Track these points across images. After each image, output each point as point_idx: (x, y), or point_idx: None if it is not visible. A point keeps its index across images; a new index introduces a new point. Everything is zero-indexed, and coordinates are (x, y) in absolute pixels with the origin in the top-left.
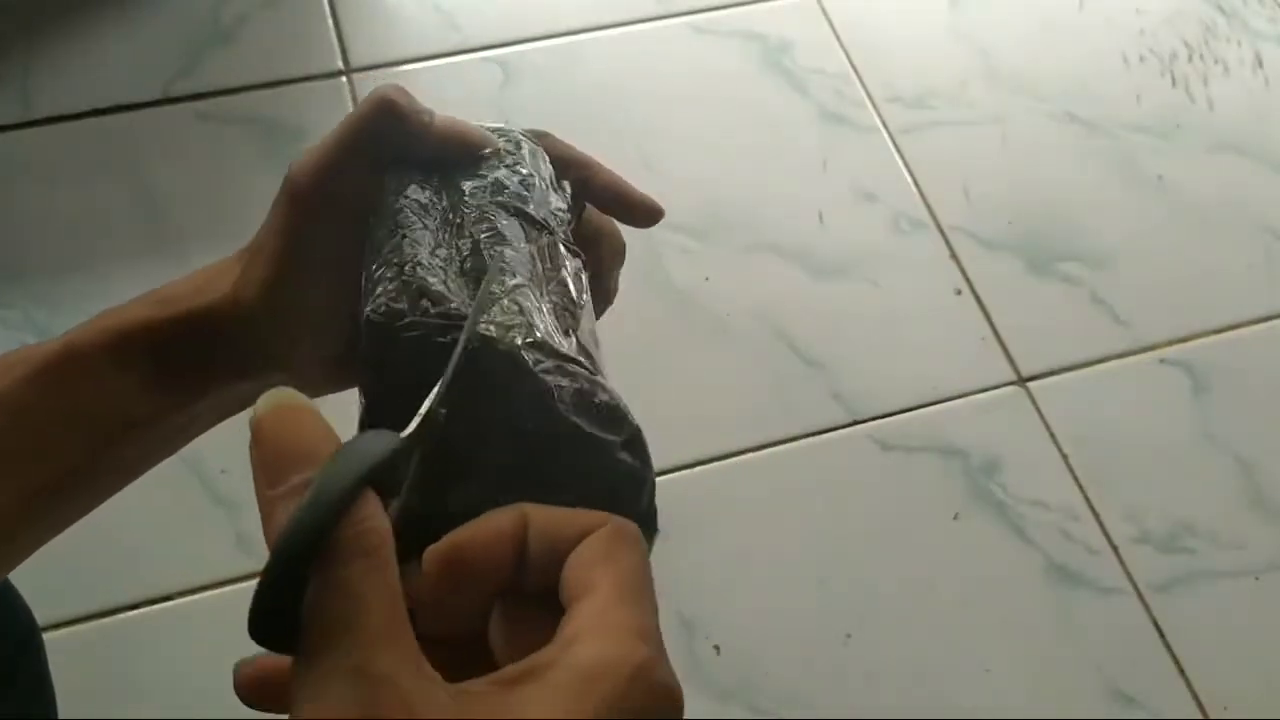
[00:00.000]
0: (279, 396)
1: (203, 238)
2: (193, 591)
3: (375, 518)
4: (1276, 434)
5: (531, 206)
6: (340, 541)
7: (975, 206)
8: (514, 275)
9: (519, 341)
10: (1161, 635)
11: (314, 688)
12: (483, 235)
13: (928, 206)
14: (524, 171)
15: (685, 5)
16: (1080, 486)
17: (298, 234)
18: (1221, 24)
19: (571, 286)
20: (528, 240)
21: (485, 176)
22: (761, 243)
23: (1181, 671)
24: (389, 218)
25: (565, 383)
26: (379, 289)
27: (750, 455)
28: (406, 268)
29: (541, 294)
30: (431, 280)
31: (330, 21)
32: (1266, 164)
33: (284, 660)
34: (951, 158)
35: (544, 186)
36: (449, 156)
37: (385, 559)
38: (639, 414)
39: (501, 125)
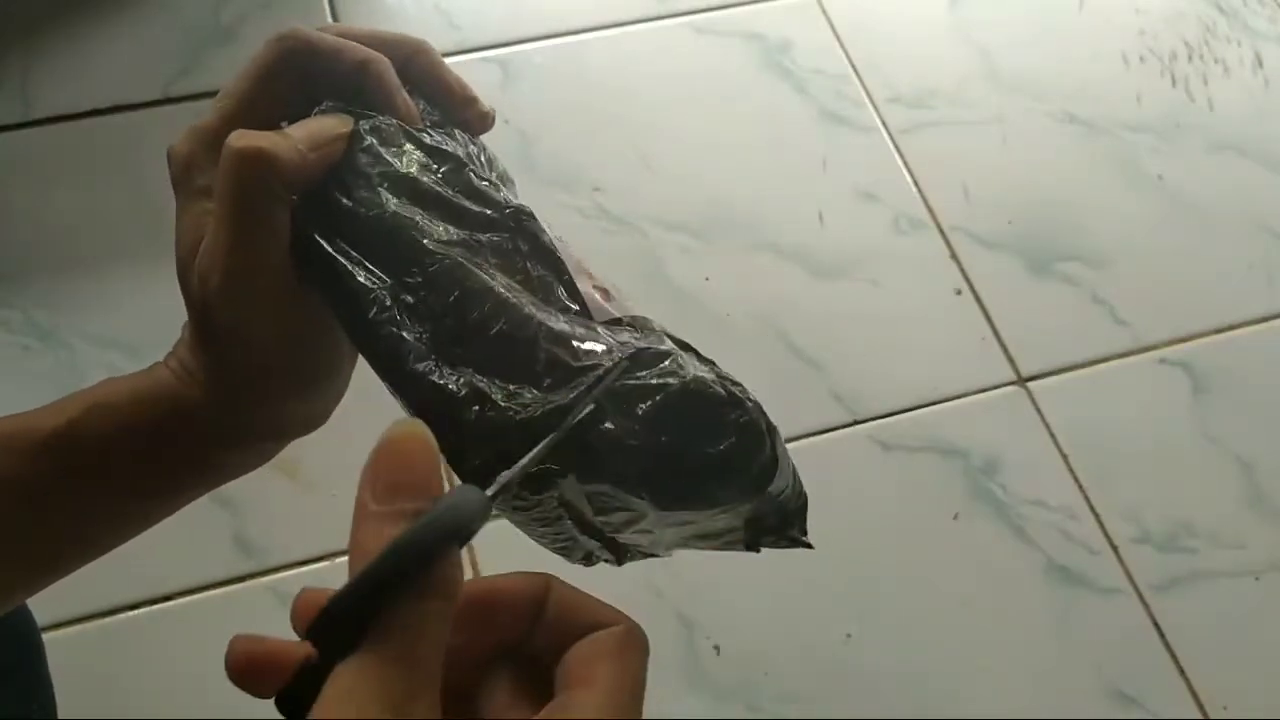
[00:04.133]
0: (412, 426)
1: None
2: (192, 591)
3: (458, 569)
4: (1276, 434)
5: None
6: (429, 579)
7: (975, 206)
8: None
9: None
10: (1161, 635)
11: (349, 695)
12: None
13: (928, 206)
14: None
15: (685, 5)
16: (1080, 486)
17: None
18: (1221, 24)
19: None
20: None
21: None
22: (761, 243)
23: (1181, 671)
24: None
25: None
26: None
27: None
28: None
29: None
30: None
31: (330, 22)
32: (1266, 164)
33: (281, 646)
34: (951, 158)
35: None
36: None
37: (453, 609)
38: None
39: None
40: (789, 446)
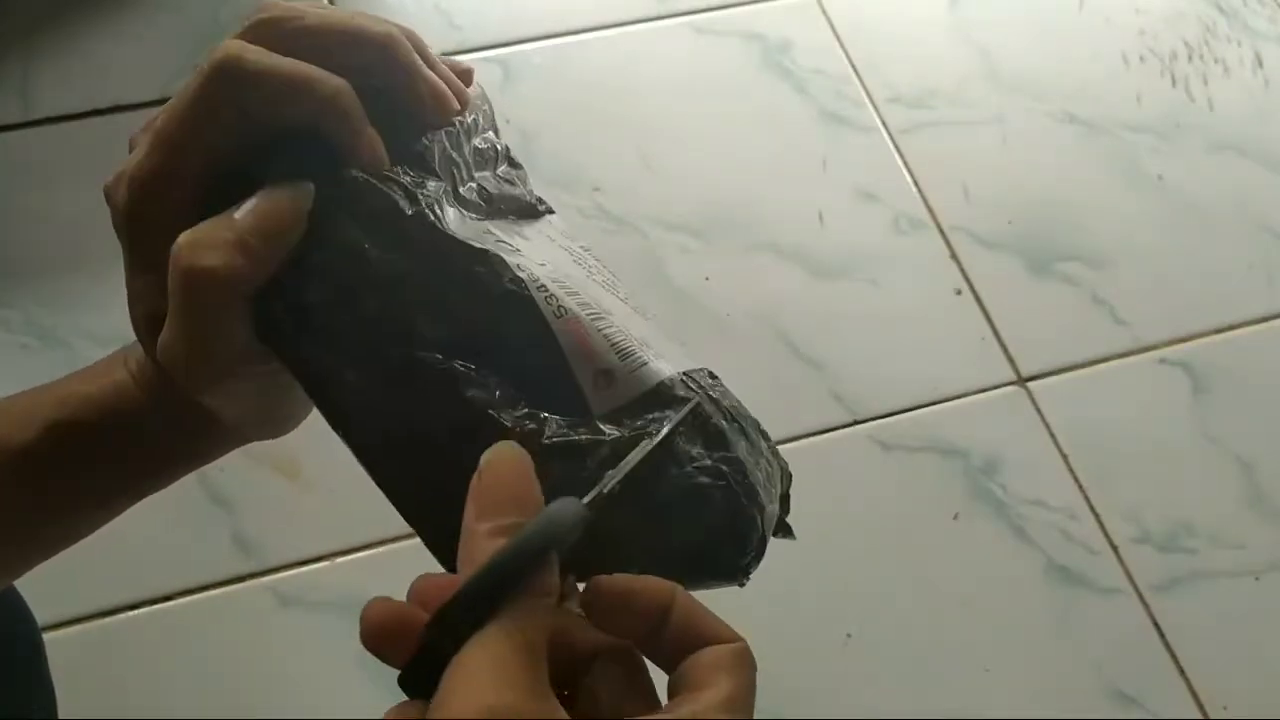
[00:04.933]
0: (509, 448)
1: None
2: (192, 591)
3: (553, 573)
4: (1276, 434)
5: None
6: (531, 582)
7: (975, 206)
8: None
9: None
10: (1161, 635)
11: (473, 676)
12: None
13: (928, 206)
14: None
15: (685, 5)
16: (1080, 486)
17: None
18: (1221, 24)
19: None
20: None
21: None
22: (761, 243)
23: (1181, 671)
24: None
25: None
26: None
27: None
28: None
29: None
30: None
31: None
32: (1266, 164)
33: (412, 614)
34: (951, 158)
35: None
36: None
37: (551, 607)
38: None
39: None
40: (789, 447)
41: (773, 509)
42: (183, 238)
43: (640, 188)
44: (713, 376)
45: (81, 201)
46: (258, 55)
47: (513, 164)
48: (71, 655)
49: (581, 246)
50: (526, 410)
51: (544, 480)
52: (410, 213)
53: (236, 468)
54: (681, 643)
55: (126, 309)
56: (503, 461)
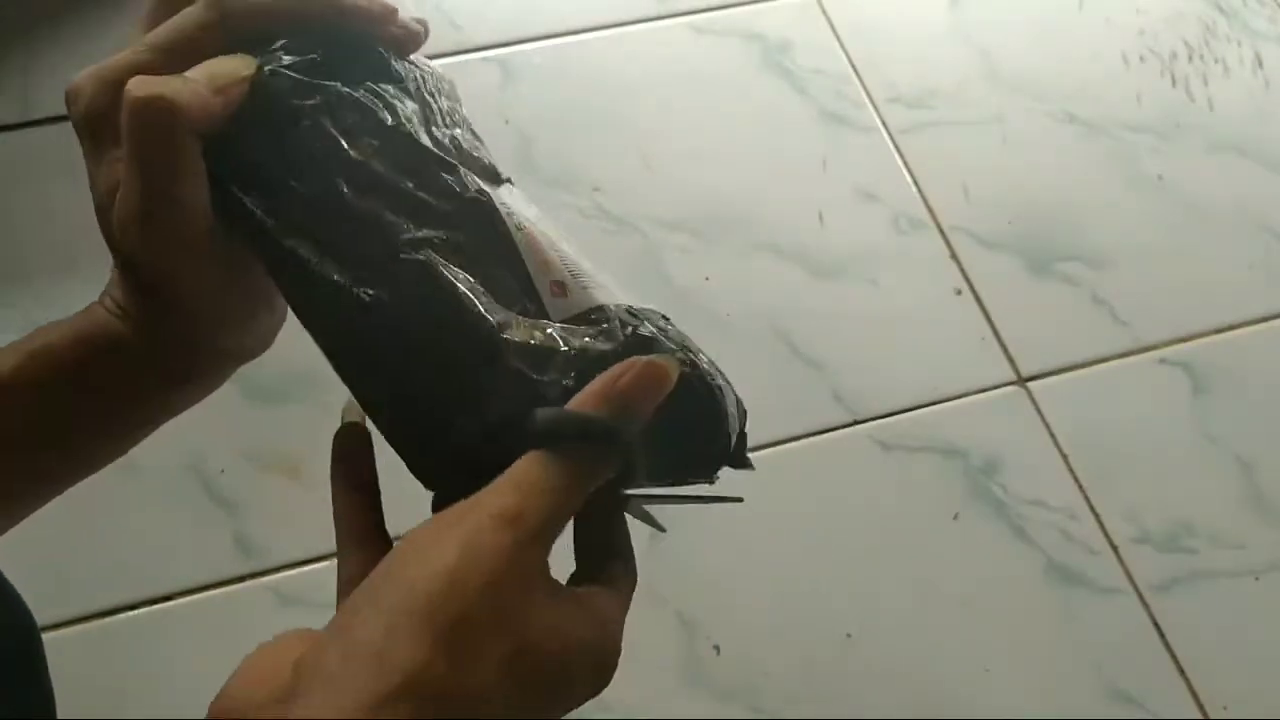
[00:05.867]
0: (668, 362)
1: None
2: (192, 591)
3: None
4: (1276, 434)
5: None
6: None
7: (975, 206)
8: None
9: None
10: (1161, 635)
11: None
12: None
13: (928, 206)
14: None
15: (685, 5)
16: (1080, 486)
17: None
18: (1221, 24)
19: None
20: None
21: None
22: (761, 243)
23: (1181, 671)
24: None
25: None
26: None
27: (751, 455)
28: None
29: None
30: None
31: None
32: (1266, 164)
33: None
34: (951, 158)
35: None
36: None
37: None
38: None
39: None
40: (789, 447)
41: (735, 423)
42: (132, 81)
43: (640, 188)
44: (665, 318)
45: (81, 201)
46: None
47: (476, 136)
48: (71, 655)
49: (539, 214)
50: (498, 304)
51: (505, 377)
52: (390, 122)
53: (237, 468)
54: None
55: None
56: (657, 369)
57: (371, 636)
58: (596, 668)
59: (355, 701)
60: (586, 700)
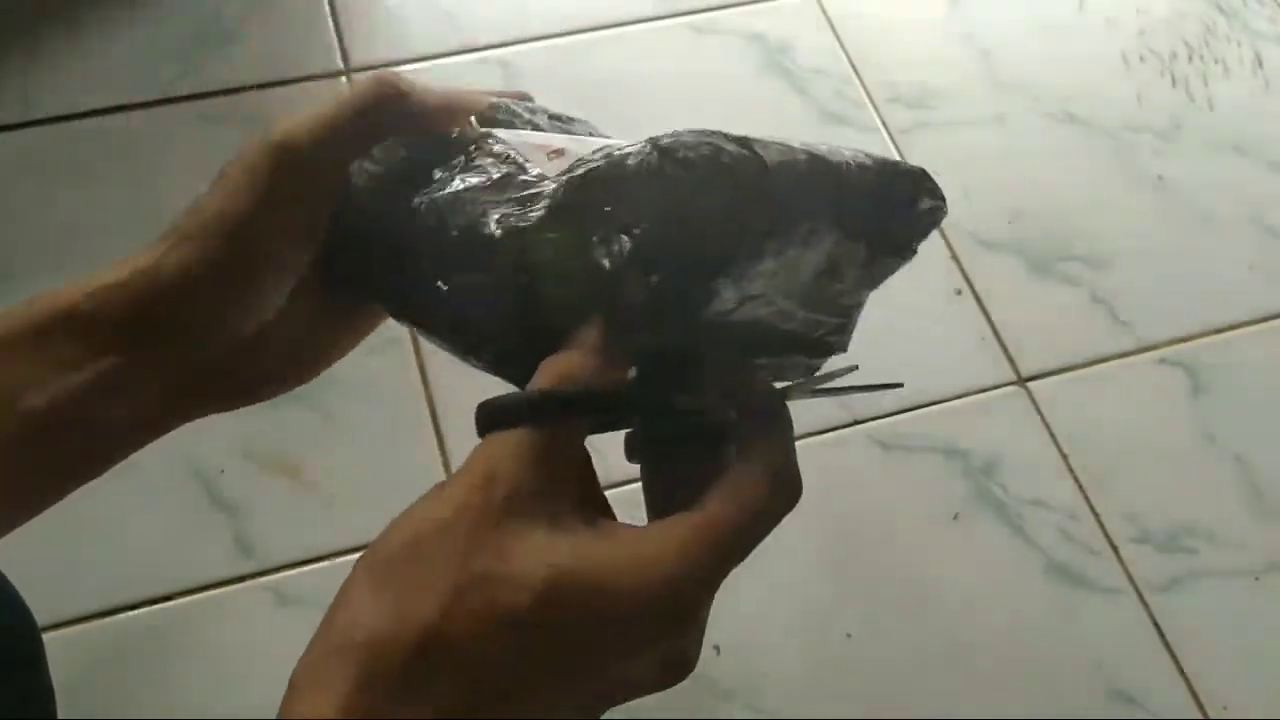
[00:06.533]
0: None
1: None
2: (192, 591)
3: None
4: (1276, 434)
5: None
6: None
7: (975, 206)
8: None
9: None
10: (1161, 635)
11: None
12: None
13: None
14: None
15: (685, 5)
16: (1080, 486)
17: (273, 203)
18: (1221, 24)
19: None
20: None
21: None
22: None
23: (1181, 671)
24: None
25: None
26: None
27: None
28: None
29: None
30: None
31: (330, 22)
32: (1266, 164)
33: None
34: (951, 158)
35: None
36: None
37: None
38: None
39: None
40: None
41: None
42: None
43: None
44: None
45: (81, 201)
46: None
47: (563, 120)
48: (71, 655)
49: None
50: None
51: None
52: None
53: (237, 468)
54: None
55: None
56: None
57: (336, 600)
58: (654, 614)
59: (305, 661)
60: (664, 661)
